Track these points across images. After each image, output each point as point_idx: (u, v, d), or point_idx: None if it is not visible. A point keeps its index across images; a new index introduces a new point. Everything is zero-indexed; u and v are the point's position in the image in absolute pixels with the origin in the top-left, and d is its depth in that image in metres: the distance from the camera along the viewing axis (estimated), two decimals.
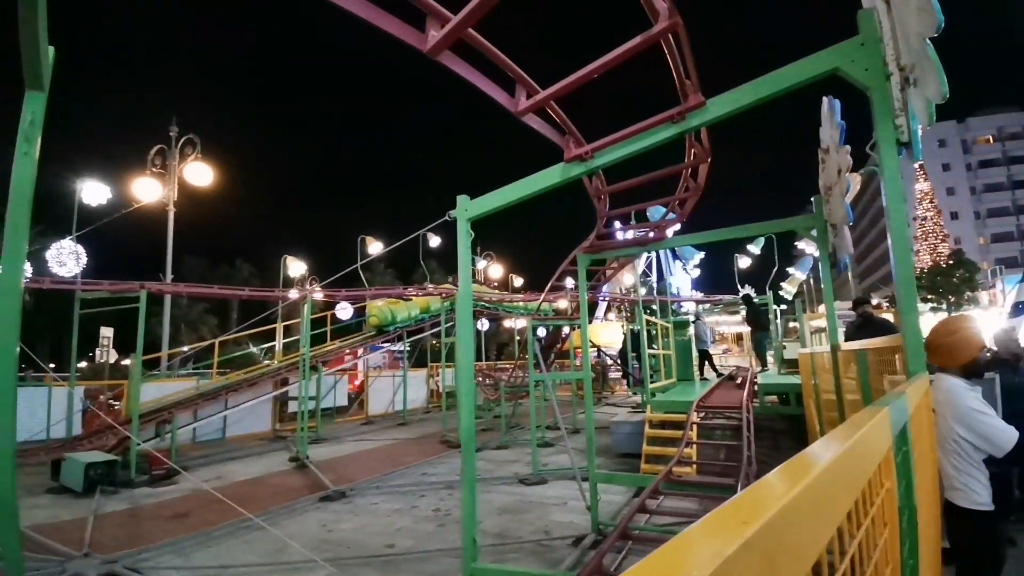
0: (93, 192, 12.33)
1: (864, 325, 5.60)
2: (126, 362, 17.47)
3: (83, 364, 20.23)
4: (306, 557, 4.71)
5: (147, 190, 13.90)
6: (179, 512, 6.66)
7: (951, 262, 24.96)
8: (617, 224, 6.14)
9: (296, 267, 17.08)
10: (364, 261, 16.84)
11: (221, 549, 5.37)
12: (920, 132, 2.71)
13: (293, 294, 15.85)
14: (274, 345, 15.29)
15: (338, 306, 17.68)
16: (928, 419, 2.22)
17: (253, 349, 19.37)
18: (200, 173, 14.52)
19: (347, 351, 16.18)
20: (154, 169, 14.48)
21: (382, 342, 18.17)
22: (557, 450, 10.07)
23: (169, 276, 14.96)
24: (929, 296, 24.27)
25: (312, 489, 7.65)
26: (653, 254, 26.82)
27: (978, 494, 2.20)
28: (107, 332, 17.64)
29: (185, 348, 19.02)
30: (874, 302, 5.55)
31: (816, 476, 0.38)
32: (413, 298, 16.94)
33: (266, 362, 15.42)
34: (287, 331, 16.24)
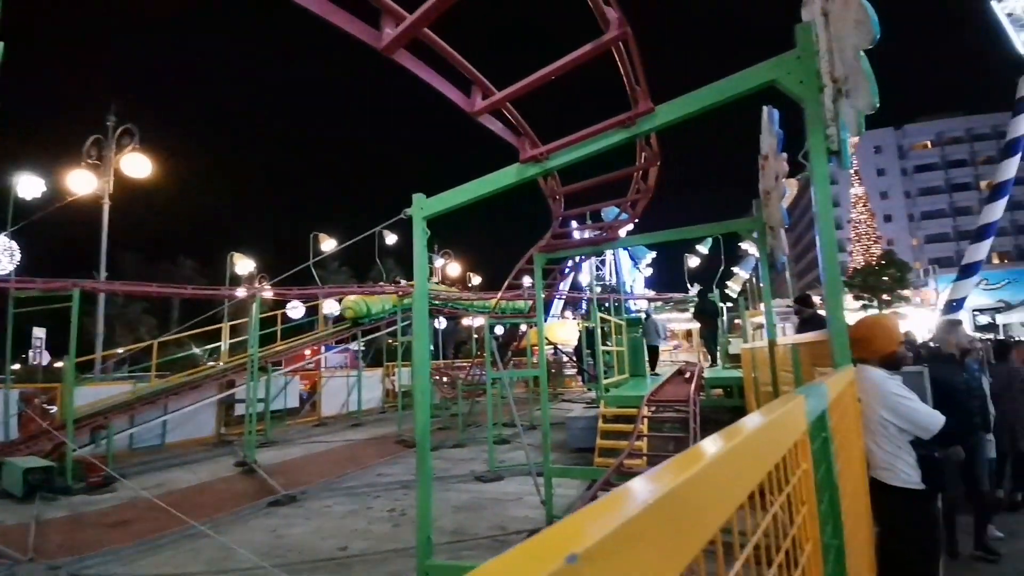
0: (28, 186, 11.45)
1: (808, 321, 5.94)
2: (59, 364, 16.32)
3: (17, 366, 18.79)
4: (254, 564, 4.57)
5: (82, 182, 13.01)
6: (120, 520, 6.47)
7: (883, 262, 26.76)
8: (574, 224, 6.26)
9: (244, 264, 16.40)
10: (317, 259, 16.39)
11: (165, 557, 5.18)
12: (850, 141, 2.92)
13: (240, 292, 15.22)
14: (219, 346, 14.63)
15: (289, 305, 17.12)
16: (853, 407, 2.41)
17: (196, 350, 18.44)
18: (138, 165, 13.68)
19: (307, 351, 15.79)
20: (89, 160, 13.57)
21: (335, 341, 17.77)
22: (514, 447, 10.16)
23: (103, 273, 14.06)
24: (862, 294, 25.95)
25: (260, 494, 7.41)
26: (609, 254, 27.48)
27: (907, 473, 2.39)
28: (39, 333, 16.43)
29: (120, 350, 17.89)
30: (817, 299, 5.87)
31: (710, 462, 0.43)
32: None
33: (210, 364, 14.75)
34: (234, 331, 15.60)
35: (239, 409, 13.39)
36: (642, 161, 4.27)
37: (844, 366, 2.53)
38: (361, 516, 6.30)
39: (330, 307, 17.71)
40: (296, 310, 17.27)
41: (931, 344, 6.50)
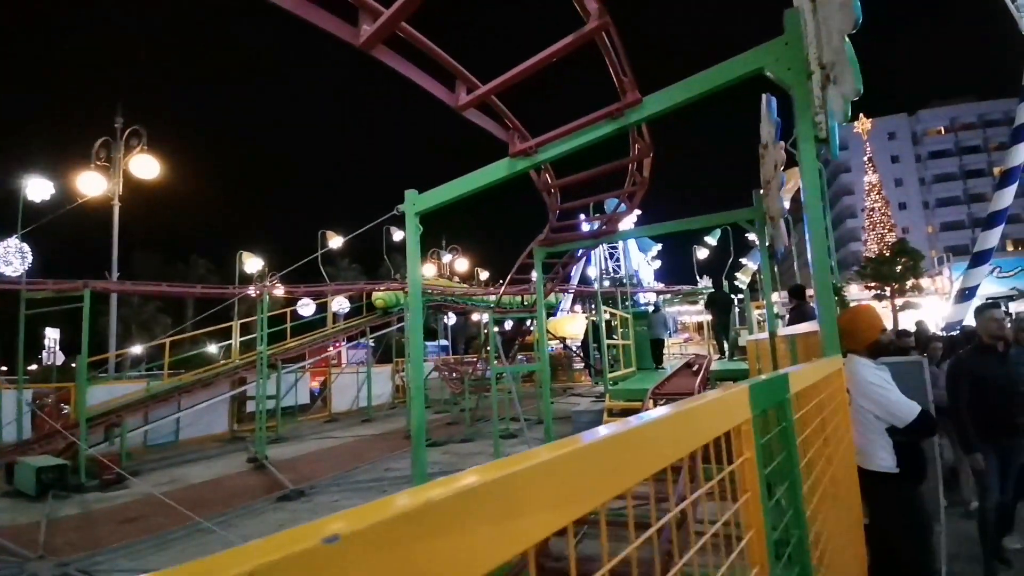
0: (37, 188, 11.72)
1: (796, 311, 5.86)
2: (74, 364, 16.73)
3: (33, 367, 19.24)
4: None
5: (92, 184, 13.26)
6: (131, 516, 6.55)
7: (895, 251, 26.25)
8: (582, 217, 6.24)
9: (253, 263, 16.61)
10: (322, 251, 16.51)
11: (175, 553, 5.27)
12: (837, 129, 2.86)
13: (249, 291, 15.44)
14: (230, 343, 14.86)
15: (300, 303, 17.32)
16: (840, 396, 2.39)
17: (210, 348, 18.75)
18: (146, 166, 13.91)
19: (331, 347, 16.01)
20: (99, 162, 13.84)
21: (346, 338, 17.94)
22: (520, 441, 10.19)
23: (115, 274, 14.35)
24: (872, 283, 25.49)
25: (270, 489, 7.52)
26: (620, 246, 27.33)
27: (882, 458, 2.40)
28: (52, 333, 16.83)
29: (134, 349, 18.29)
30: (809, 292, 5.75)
31: (546, 460, 0.43)
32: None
33: (222, 361, 15.00)
34: (246, 329, 15.84)
35: (251, 406, 13.59)
36: (635, 153, 4.24)
37: (832, 355, 2.50)
38: None
39: (339, 304, 17.87)
40: (307, 307, 17.47)
41: (967, 333, 5.87)
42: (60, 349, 17.19)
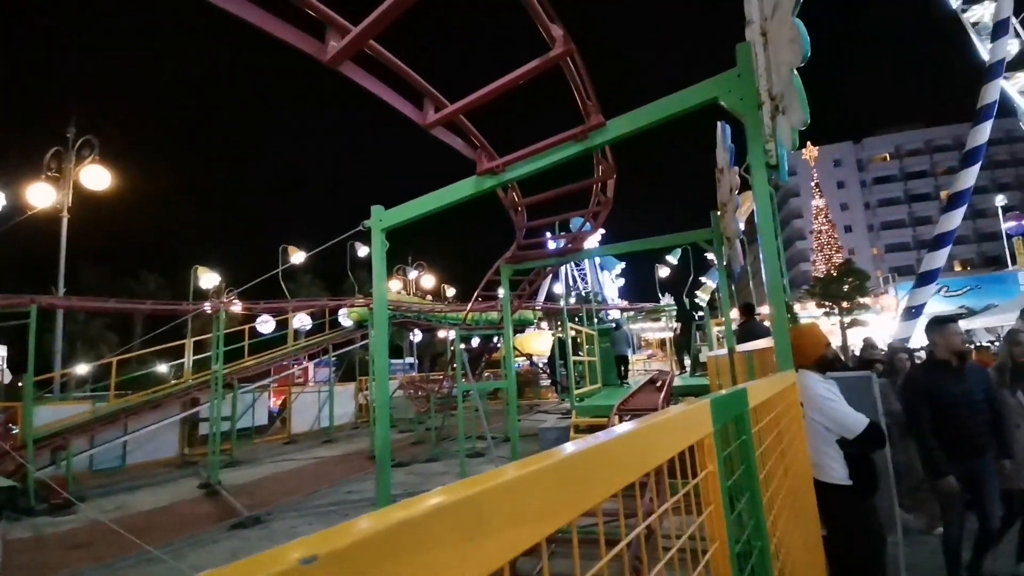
0: None
1: (745, 328, 6.07)
2: (22, 383, 15.63)
3: None
4: None
5: (41, 195, 12.59)
6: (80, 543, 6.44)
7: (843, 271, 27.70)
8: (548, 235, 6.32)
9: (209, 278, 15.98)
10: (284, 268, 16.08)
11: None
12: (786, 156, 3.03)
13: (204, 307, 14.83)
14: (183, 363, 14.19)
15: (259, 319, 16.72)
16: (795, 409, 2.48)
17: (160, 367, 17.83)
18: (98, 177, 13.28)
19: (294, 365, 15.49)
20: (50, 173, 13.19)
21: (307, 356, 17.42)
22: (487, 459, 10.08)
23: (62, 289, 13.57)
24: (823, 302, 26.77)
25: (224, 516, 7.17)
26: (586, 264, 27.73)
27: (834, 469, 2.50)
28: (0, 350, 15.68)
29: (80, 368, 17.23)
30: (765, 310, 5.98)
31: (521, 475, 0.44)
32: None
33: (173, 381, 14.29)
34: (200, 347, 15.16)
35: (204, 428, 12.97)
36: (600, 173, 4.36)
37: (786, 370, 2.61)
38: None
39: (300, 321, 17.37)
40: (266, 324, 16.88)
41: (923, 349, 5.83)
42: (7, 367, 15.98)
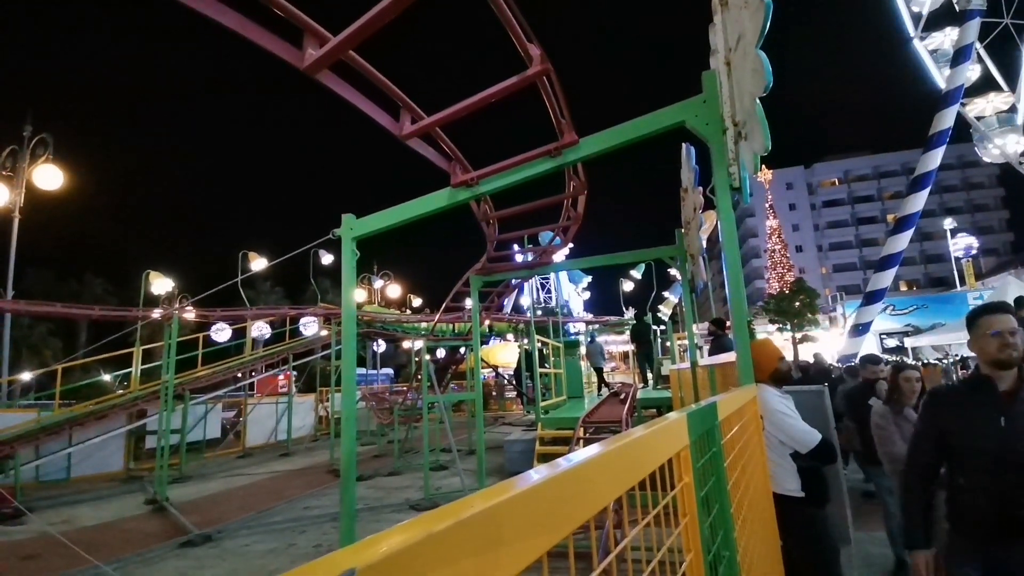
0: None
1: (717, 342, 6.32)
2: None
3: None
4: None
5: None
6: (30, 554, 6.35)
7: (795, 289, 28.95)
8: (516, 247, 6.36)
9: (161, 284, 15.27)
10: (244, 276, 15.54)
11: None
12: (763, 178, 3.19)
13: (155, 314, 14.15)
14: (130, 372, 13.46)
15: (214, 327, 16.05)
16: (756, 422, 2.58)
17: (104, 377, 16.85)
18: (50, 176, 12.60)
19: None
20: (4, 172, 12.49)
21: (265, 366, 16.82)
22: (451, 473, 9.96)
23: (10, 292, 12.78)
24: (776, 318, 27.87)
25: (171, 534, 6.83)
26: (552, 277, 28.00)
27: (788, 482, 2.60)
28: None
29: (26, 375, 16.17)
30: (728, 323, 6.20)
31: (534, 486, 0.47)
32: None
33: (120, 392, 13.54)
34: (149, 356, 14.42)
35: (151, 441, 12.34)
36: (571, 189, 4.44)
37: (748, 384, 2.72)
38: (283, 554, 5.92)
39: (259, 330, 16.80)
40: (222, 333, 16.22)
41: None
42: None
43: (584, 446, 7.48)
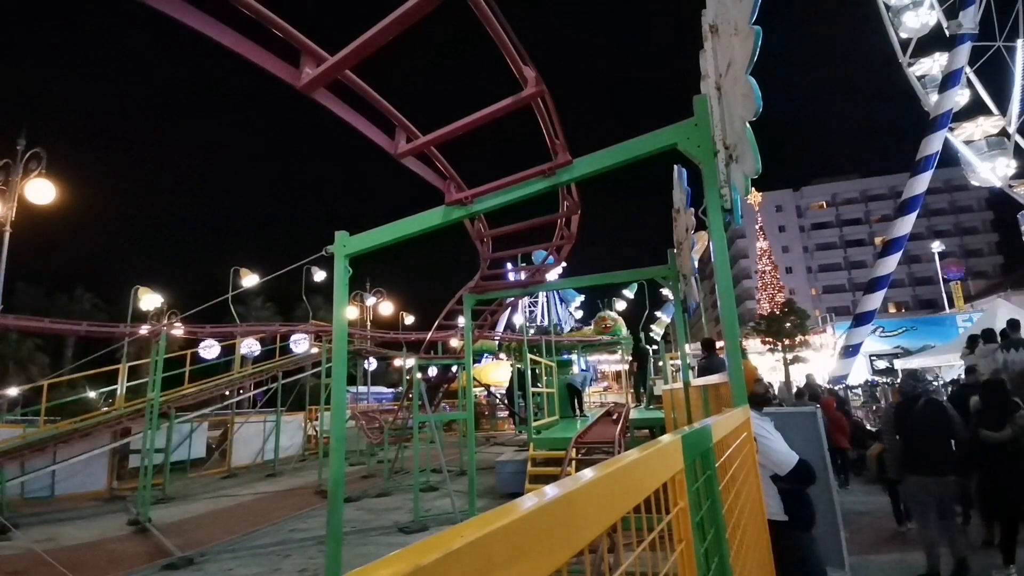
0: None
1: (707, 364, 6.29)
2: None
3: None
4: None
5: None
6: (16, 570, 6.32)
7: (785, 310, 29.13)
8: (509, 266, 6.37)
9: (150, 299, 15.08)
10: (235, 292, 15.40)
11: None
12: (753, 200, 3.23)
13: (143, 330, 13.96)
14: (115, 389, 13.21)
15: (202, 344, 15.83)
16: (749, 444, 2.57)
17: (90, 394, 16.51)
18: (42, 190, 12.51)
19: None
20: None
21: (254, 383, 16.58)
22: (441, 494, 9.78)
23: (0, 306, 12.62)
24: (767, 339, 27.96)
25: (154, 556, 6.63)
26: (545, 296, 28.00)
27: (769, 506, 2.57)
28: None
29: (13, 390, 15.85)
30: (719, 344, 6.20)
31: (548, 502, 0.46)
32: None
33: (104, 409, 13.27)
34: (136, 373, 14.19)
35: (135, 460, 12.07)
36: (564, 209, 4.48)
37: (741, 405, 2.71)
38: None
39: (248, 347, 16.58)
40: (210, 350, 15.98)
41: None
42: None
43: (577, 467, 7.39)
